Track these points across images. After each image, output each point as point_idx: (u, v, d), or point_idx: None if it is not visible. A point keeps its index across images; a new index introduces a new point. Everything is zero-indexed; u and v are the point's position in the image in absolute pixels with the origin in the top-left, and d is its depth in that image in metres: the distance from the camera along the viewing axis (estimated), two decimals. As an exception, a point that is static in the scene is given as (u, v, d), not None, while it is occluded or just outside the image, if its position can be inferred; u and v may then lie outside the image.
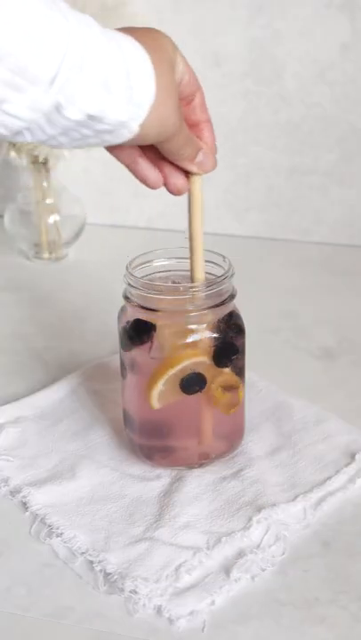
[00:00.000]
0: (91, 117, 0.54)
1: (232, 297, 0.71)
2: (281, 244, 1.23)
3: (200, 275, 0.70)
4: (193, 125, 0.67)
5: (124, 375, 0.74)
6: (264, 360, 0.90)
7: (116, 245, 1.22)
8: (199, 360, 0.70)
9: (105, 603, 0.61)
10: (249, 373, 0.77)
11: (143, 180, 0.66)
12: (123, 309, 0.73)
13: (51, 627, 0.60)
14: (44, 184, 1.16)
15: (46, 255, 1.19)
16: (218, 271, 0.72)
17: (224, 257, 0.72)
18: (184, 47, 1.21)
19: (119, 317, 0.73)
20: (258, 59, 1.16)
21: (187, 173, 0.67)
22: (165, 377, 0.70)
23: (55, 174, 1.17)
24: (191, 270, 0.70)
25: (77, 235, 1.20)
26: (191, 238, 0.69)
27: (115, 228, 1.29)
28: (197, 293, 0.69)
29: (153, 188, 0.66)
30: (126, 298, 0.71)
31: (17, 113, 0.51)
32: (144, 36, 0.59)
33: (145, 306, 0.70)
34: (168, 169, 0.66)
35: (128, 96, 0.55)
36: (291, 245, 1.23)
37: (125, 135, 0.58)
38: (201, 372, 0.70)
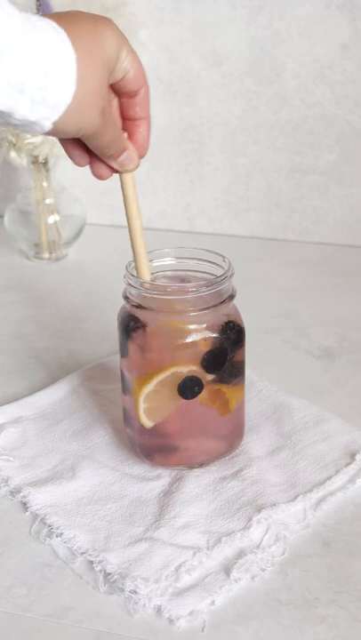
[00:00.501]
0: (0, 112, 0.55)
1: (232, 297, 0.71)
2: (281, 244, 1.23)
3: (145, 274, 0.70)
4: (130, 119, 0.67)
5: (123, 375, 0.74)
6: (264, 360, 0.90)
7: (116, 245, 1.22)
8: (178, 370, 0.70)
9: (105, 603, 0.61)
10: (249, 373, 0.77)
11: (70, 157, 0.67)
12: (123, 309, 0.73)
13: (51, 627, 0.60)
14: (44, 184, 1.16)
15: (46, 255, 1.19)
16: (218, 271, 0.72)
17: (224, 257, 0.72)
18: (184, 47, 1.22)
19: (119, 317, 0.73)
20: (258, 59, 1.16)
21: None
22: (143, 394, 0.70)
23: (55, 174, 1.17)
24: (136, 268, 0.70)
25: (77, 235, 1.20)
26: (131, 233, 0.70)
27: (115, 228, 1.29)
28: (197, 293, 0.69)
29: (78, 166, 0.67)
30: (126, 298, 0.71)
31: None
32: (82, 28, 0.58)
33: (145, 306, 0.70)
34: (94, 155, 0.67)
35: (41, 97, 0.55)
36: (291, 245, 1.23)
37: (37, 130, 0.58)
38: (195, 375, 0.70)
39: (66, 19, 0.58)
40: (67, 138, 0.62)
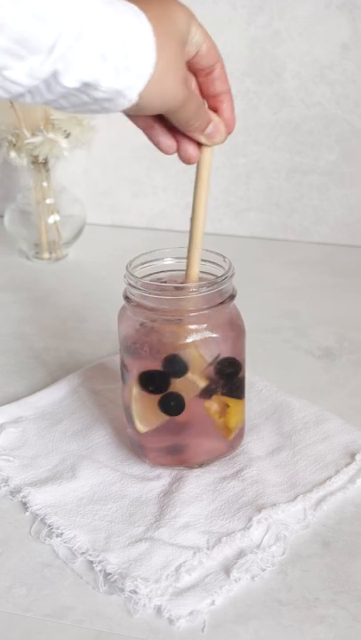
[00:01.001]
0: (86, 85, 0.55)
1: (232, 297, 0.71)
2: (281, 244, 1.23)
3: (195, 270, 0.70)
4: (212, 97, 0.67)
5: (124, 375, 0.73)
6: (264, 360, 0.90)
7: (116, 245, 1.22)
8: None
9: (105, 603, 0.61)
10: (249, 373, 0.77)
11: (156, 145, 0.67)
12: (123, 309, 0.73)
13: (51, 627, 0.60)
14: (44, 184, 1.16)
15: (46, 255, 1.19)
16: (218, 271, 0.72)
17: (224, 257, 0.72)
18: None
19: (119, 317, 0.73)
20: (258, 59, 1.16)
21: (199, 144, 0.67)
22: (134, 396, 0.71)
23: (55, 174, 1.17)
24: (187, 264, 0.70)
25: (77, 235, 1.20)
26: (194, 211, 0.69)
27: (115, 228, 1.29)
28: (197, 293, 0.69)
29: (166, 153, 0.67)
30: (126, 298, 0.71)
31: (17, 79, 0.52)
32: (154, 5, 0.59)
33: (145, 306, 0.70)
34: (181, 137, 0.67)
35: (124, 66, 0.56)
36: (291, 245, 1.23)
37: (124, 104, 0.58)
38: (175, 391, 0.70)
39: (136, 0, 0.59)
40: (152, 114, 0.62)
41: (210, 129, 0.66)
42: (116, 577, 0.63)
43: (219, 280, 0.70)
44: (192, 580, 0.63)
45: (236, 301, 0.72)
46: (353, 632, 0.59)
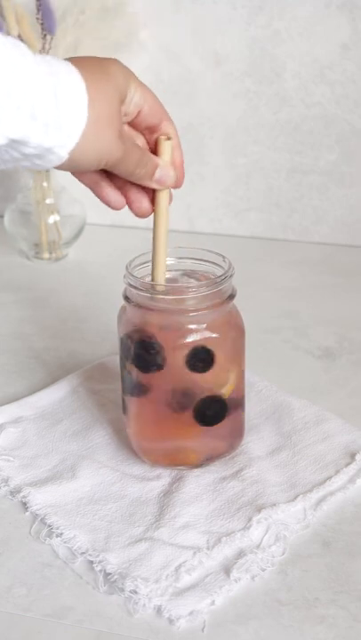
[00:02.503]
0: (15, 141, 0.55)
1: (232, 297, 0.71)
2: (281, 244, 1.23)
3: (161, 276, 0.70)
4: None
5: (123, 375, 0.74)
6: (264, 360, 0.90)
7: (116, 245, 1.22)
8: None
9: (105, 603, 0.61)
10: (249, 373, 0.77)
11: (105, 202, 0.67)
12: (123, 309, 0.73)
13: (51, 627, 0.60)
14: (44, 184, 1.16)
15: (46, 255, 1.19)
16: (218, 271, 0.72)
17: (224, 257, 0.72)
18: (184, 47, 1.22)
19: (119, 317, 0.73)
20: (258, 59, 1.16)
21: (154, 191, 0.67)
22: None
23: (55, 174, 1.17)
24: (152, 276, 0.70)
25: (77, 235, 1.20)
26: (154, 248, 0.69)
27: (115, 228, 1.28)
28: (197, 293, 0.69)
29: (115, 209, 0.68)
30: (126, 298, 0.71)
31: None
32: (90, 64, 0.59)
33: (145, 306, 0.70)
34: (133, 192, 0.67)
35: (55, 123, 0.56)
36: (291, 245, 1.23)
37: (54, 161, 0.58)
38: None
39: (73, 58, 0.60)
40: (90, 170, 0.62)
41: (158, 174, 0.66)
42: (116, 577, 0.63)
43: (219, 280, 0.70)
44: (192, 580, 0.63)
45: (236, 301, 0.72)
46: (353, 632, 0.59)
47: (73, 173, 0.65)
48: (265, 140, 1.20)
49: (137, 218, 0.68)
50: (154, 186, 0.66)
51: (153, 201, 0.68)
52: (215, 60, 1.17)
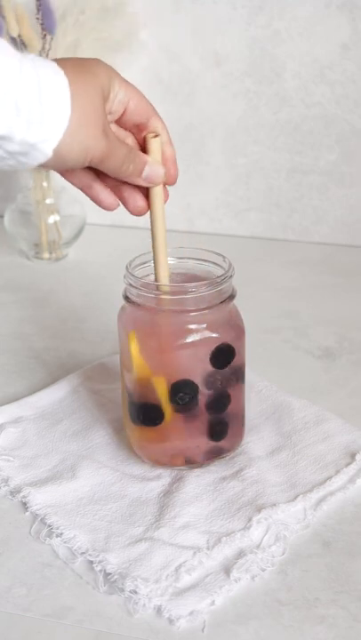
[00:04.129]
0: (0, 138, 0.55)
1: (232, 297, 0.71)
2: (281, 244, 1.23)
3: (164, 276, 0.70)
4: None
5: (123, 375, 0.74)
6: (264, 360, 0.90)
7: (116, 245, 1.22)
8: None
9: (105, 603, 0.61)
10: (249, 373, 0.77)
11: (98, 203, 0.67)
12: (123, 309, 0.73)
13: (51, 627, 0.60)
14: (44, 184, 1.16)
15: (46, 255, 1.19)
16: (218, 271, 0.72)
17: (224, 257, 0.72)
18: (184, 47, 1.22)
19: (119, 317, 0.73)
20: (258, 59, 1.16)
21: (147, 188, 0.67)
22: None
23: (55, 174, 1.17)
24: (155, 275, 0.70)
25: (77, 235, 1.20)
26: (154, 247, 0.69)
27: (115, 228, 1.28)
28: (197, 293, 0.69)
29: (109, 209, 0.68)
30: (126, 298, 0.71)
31: None
32: (72, 64, 0.60)
33: (145, 306, 0.70)
34: (128, 191, 0.67)
35: (39, 119, 0.56)
36: (291, 245, 1.23)
37: (39, 158, 0.58)
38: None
39: (56, 59, 0.60)
40: (76, 167, 0.62)
41: (147, 171, 0.66)
42: (116, 577, 0.63)
43: (219, 280, 0.70)
44: (192, 579, 0.63)
45: (236, 301, 0.72)
46: (353, 632, 0.59)
47: (63, 174, 0.65)
48: (265, 140, 1.20)
49: (136, 217, 0.68)
50: (143, 184, 0.66)
51: (148, 199, 0.68)
52: (215, 60, 1.17)
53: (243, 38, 1.15)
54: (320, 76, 1.15)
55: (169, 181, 0.68)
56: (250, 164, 1.21)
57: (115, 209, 0.68)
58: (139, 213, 0.68)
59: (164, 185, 0.68)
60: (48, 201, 1.16)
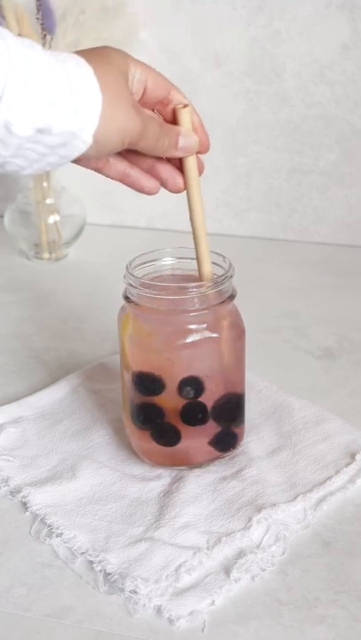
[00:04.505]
0: (39, 131, 0.56)
1: (232, 297, 0.71)
2: (281, 244, 1.23)
3: (207, 268, 0.70)
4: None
5: (123, 375, 0.74)
6: (264, 360, 0.90)
7: (116, 245, 1.22)
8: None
9: (105, 603, 0.61)
10: (249, 373, 0.77)
11: (140, 190, 0.68)
12: (123, 309, 0.73)
13: (51, 627, 0.60)
14: (44, 184, 1.16)
15: (46, 255, 1.19)
16: (218, 271, 0.72)
17: (224, 257, 0.72)
18: (184, 47, 1.22)
19: (119, 317, 0.73)
20: (258, 59, 1.16)
21: (180, 162, 0.67)
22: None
23: (55, 174, 1.17)
24: (198, 263, 0.70)
25: (77, 235, 1.20)
26: (193, 221, 0.69)
27: (115, 228, 1.28)
28: (197, 293, 0.69)
29: (150, 194, 0.68)
30: (126, 298, 0.71)
31: None
32: (88, 53, 0.61)
33: (145, 306, 0.70)
34: (165, 171, 0.68)
35: (73, 107, 0.57)
36: (291, 245, 1.23)
37: (80, 147, 0.59)
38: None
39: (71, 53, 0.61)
40: (116, 150, 0.62)
41: (182, 142, 0.66)
42: (116, 577, 0.63)
43: (219, 280, 0.70)
44: (192, 580, 0.63)
45: (236, 301, 0.72)
46: (353, 632, 0.59)
47: (99, 169, 0.66)
48: (265, 140, 1.20)
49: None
50: (180, 155, 0.67)
51: (183, 173, 0.68)
52: (215, 60, 1.17)
53: (243, 38, 1.15)
54: (320, 76, 1.15)
55: (202, 149, 0.69)
56: (250, 163, 1.21)
57: (157, 192, 0.69)
58: (179, 190, 0.69)
59: (197, 155, 0.68)
60: (48, 201, 1.16)
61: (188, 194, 0.69)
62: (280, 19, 1.13)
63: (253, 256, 1.18)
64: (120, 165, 0.67)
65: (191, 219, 0.70)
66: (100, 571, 0.64)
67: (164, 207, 1.25)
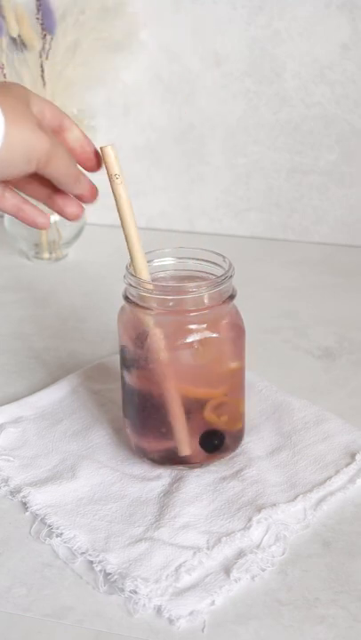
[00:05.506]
0: None
1: (232, 297, 0.71)
2: (281, 244, 1.23)
3: (144, 273, 0.70)
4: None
5: (123, 375, 0.74)
6: (264, 360, 0.90)
7: (116, 245, 1.21)
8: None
9: (105, 603, 0.61)
10: (249, 373, 0.77)
11: (34, 225, 0.70)
12: (123, 309, 0.73)
13: (51, 627, 0.60)
14: (44, 184, 1.16)
15: (46, 255, 1.19)
16: (218, 271, 0.72)
17: (224, 257, 0.72)
18: (184, 47, 1.22)
19: (119, 317, 0.73)
20: (258, 59, 1.16)
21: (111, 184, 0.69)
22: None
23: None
24: (134, 267, 0.71)
25: (77, 235, 1.20)
26: (127, 239, 0.72)
27: (115, 228, 1.28)
28: (197, 293, 0.69)
29: (44, 229, 0.71)
30: (126, 298, 0.71)
31: None
32: None
33: (145, 306, 0.70)
34: (61, 200, 0.70)
35: None
36: (291, 245, 1.23)
37: None
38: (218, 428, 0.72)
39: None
40: (23, 171, 0.63)
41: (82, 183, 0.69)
42: (116, 577, 0.63)
43: (219, 280, 0.70)
44: (192, 580, 0.63)
45: (236, 301, 0.72)
46: (353, 632, 0.59)
47: (20, 188, 0.68)
48: (265, 140, 1.20)
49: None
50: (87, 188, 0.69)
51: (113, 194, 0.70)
52: (215, 60, 1.17)
53: (243, 38, 1.15)
54: (320, 76, 1.14)
55: (91, 168, 0.71)
56: (250, 163, 1.21)
57: (48, 227, 0.72)
58: (76, 218, 0.71)
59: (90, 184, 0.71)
60: (48, 201, 1.16)
61: (120, 217, 0.72)
62: (280, 19, 1.13)
63: (253, 256, 1.18)
64: (14, 199, 0.68)
65: (127, 242, 0.71)
66: (100, 571, 0.64)
67: (163, 207, 1.25)
